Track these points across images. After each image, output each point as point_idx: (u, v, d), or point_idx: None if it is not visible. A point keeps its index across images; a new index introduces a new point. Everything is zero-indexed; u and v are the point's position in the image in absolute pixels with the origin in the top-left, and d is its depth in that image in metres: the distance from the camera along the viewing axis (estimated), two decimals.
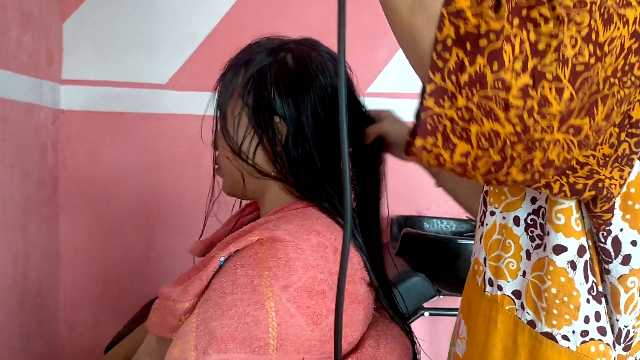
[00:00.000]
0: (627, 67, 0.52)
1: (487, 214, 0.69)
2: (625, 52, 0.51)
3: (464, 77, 0.49)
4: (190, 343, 0.67)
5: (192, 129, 1.95)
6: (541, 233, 0.63)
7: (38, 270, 1.77)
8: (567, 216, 0.60)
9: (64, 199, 1.92)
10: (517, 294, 0.64)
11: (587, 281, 0.60)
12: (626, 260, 0.59)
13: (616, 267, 0.60)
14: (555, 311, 0.61)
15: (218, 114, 0.86)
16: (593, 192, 0.56)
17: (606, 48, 0.50)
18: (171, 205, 1.98)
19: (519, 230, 0.65)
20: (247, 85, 0.82)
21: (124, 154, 1.95)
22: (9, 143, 1.54)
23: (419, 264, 1.48)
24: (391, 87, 1.95)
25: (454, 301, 2.06)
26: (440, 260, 1.48)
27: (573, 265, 0.60)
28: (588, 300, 0.60)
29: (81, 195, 1.94)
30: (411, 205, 1.98)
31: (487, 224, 0.68)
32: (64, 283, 1.94)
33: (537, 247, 0.64)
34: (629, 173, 0.57)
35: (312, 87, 0.80)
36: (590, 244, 0.61)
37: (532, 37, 0.48)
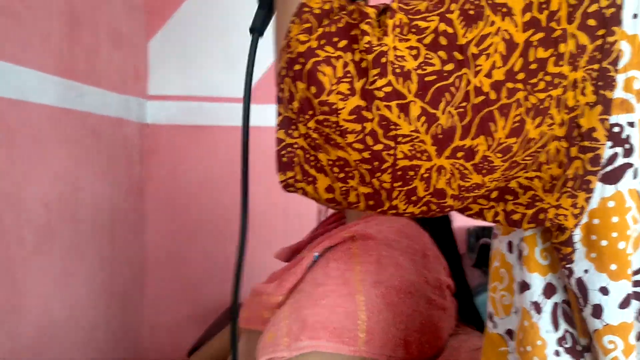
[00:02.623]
0: (533, 66, 0.42)
1: (493, 236, 0.59)
2: (520, 47, 0.41)
3: (295, 104, 0.46)
4: (282, 330, 0.69)
5: (269, 141, 2.01)
6: None
7: (124, 274, 1.87)
8: (531, 247, 0.50)
9: (149, 208, 2.02)
10: (510, 333, 0.53)
11: (556, 329, 0.49)
12: (597, 312, 0.46)
13: (588, 318, 0.47)
14: None
15: None
16: (532, 225, 0.47)
17: (473, 49, 0.41)
18: (250, 215, 2.04)
19: (512, 259, 0.53)
20: None
21: (206, 165, 2.03)
22: (102, 156, 1.64)
23: None
24: None
25: None
26: None
27: (537, 307, 0.49)
28: (557, 353, 0.48)
29: (165, 204, 2.03)
30: None
31: (493, 248, 0.58)
32: (148, 288, 2.04)
33: None
34: (587, 199, 0.45)
35: None
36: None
37: (357, 56, 0.44)
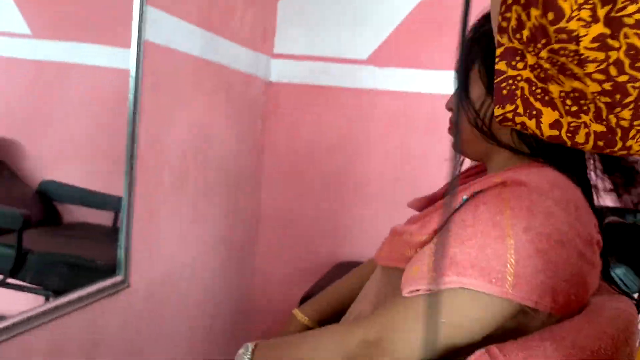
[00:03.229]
0: None
1: None
2: None
3: (526, 33, 0.44)
4: (429, 264, 0.69)
5: (389, 105, 2.02)
6: None
7: (243, 226, 1.96)
8: None
9: (268, 164, 2.09)
10: None
11: None
12: None
13: None
14: None
15: (457, 75, 0.88)
16: None
17: None
18: (362, 176, 2.06)
19: None
20: (490, 48, 0.82)
21: (323, 126, 2.07)
22: (231, 109, 1.72)
23: (623, 256, 1.40)
24: None
25: None
26: None
27: None
28: None
29: (282, 162, 2.09)
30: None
31: None
32: (261, 240, 2.12)
33: None
34: None
35: None
36: None
37: None
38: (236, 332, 1.99)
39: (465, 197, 0.75)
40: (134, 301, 1.30)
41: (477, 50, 0.84)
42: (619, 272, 1.35)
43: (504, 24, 0.46)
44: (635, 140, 0.44)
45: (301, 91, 2.06)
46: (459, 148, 0.91)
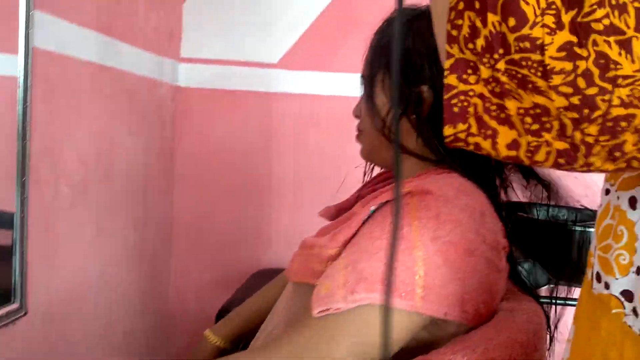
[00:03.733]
0: None
1: (603, 191, 0.55)
2: None
3: (480, 42, 0.40)
4: (338, 281, 0.68)
5: (300, 107, 2.00)
6: None
7: (154, 236, 1.88)
8: None
9: (179, 171, 2.02)
10: (627, 295, 0.50)
11: None
12: None
13: None
14: None
15: (363, 82, 0.87)
16: None
17: None
18: (278, 180, 2.04)
19: (635, 215, 0.49)
20: (392, 55, 0.82)
21: (236, 130, 2.02)
22: (135, 116, 1.64)
23: (530, 251, 1.44)
24: None
25: (566, 291, 1.98)
26: (552, 247, 1.44)
27: None
28: None
29: (194, 168, 2.03)
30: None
31: (601, 204, 0.54)
32: (175, 250, 2.05)
33: None
34: None
35: None
36: None
37: None
38: (155, 349, 1.91)
39: (373, 208, 0.74)
40: (33, 329, 1.21)
41: (380, 56, 0.84)
42: (526, 267, 1.39)
43: (454, 32, 0.42)
44: (598, 155, 0.40)
45: (211, 95, 2.00)
46: (366, 155, 0.90)
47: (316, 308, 0.68)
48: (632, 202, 0.49)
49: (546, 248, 1.47)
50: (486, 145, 0.42)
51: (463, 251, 0.68)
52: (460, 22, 0.41)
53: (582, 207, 1.75)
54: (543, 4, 0.38)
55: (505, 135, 0.41)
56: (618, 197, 0.51)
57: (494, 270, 0.72)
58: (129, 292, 1.71)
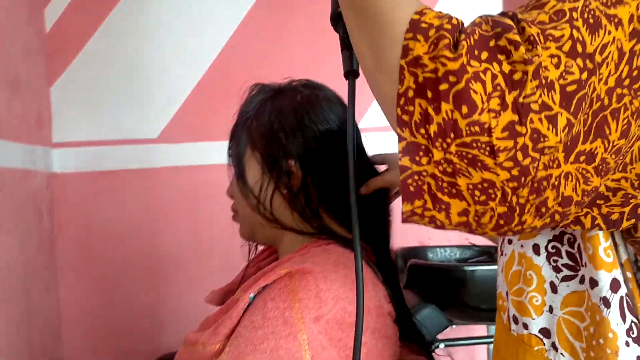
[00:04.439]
0: (635, 73, 0.45)
1: (505, 242, 0.62)
2: (627, 56, 0.45)
3: (433, 128, 0.43)
4: None
5: (186, 180, 1.96)
6: (570, 262, 0.56)
7: (42, 335, 1.74)
8: (595, 246, 0.53)
9: (63, 262, 1.90)
10: (545, 332, 0.56)
11: (624, 321, 0.52)
12: None
13: None
14: (592, 353, 0.53)
15: (232, 162, 0.86)
16: (632, 221, 0.50)
17: (598, 57, 0.44)
18: (171, 259, 1.96)
19: (540, 260, 0.57)
20: (258, 132, 0.82)
21: (120, 212, 1.94)
22: (7, 210, 1.53)
23: (428, 295, 1.47)
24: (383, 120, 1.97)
25: (468, 330, 2.04)
26: (448, 289, 1.47)
27: (606, 302, 0.53)
28: (627, 344, 0.52)
29: (79, 257, 1.91)
30: (413, 236, 1.98)
31: (505, 254, 0.61)
32: (67, 346, 1.90)
33: (566, 278, 0.56)
34: None
35: (322, 127, 0.81)
36: (630, 276, 0.54)
37: (505, 67, 0.42)
38: None
39: (252, 295, 0.73)
40: None
41: (245, 134, 0.84)
42: (424, 313, 1.41)
43: (406, 118, 0.45)
44: (529, 213, 0.45)
45: (90, 178, 1.92)
46: (246, 236, 0.89)
47: None
48: (536, 249, 0.57)
49: (442, 290, 1.50)
50: (440, 216, 0.46)
51: (347, 326, 0.68)
52: (411, 108, 0.44)
53: (471, 245, 1.83)
54: (489, 88, 0.42)
55: (456, 206, 0.45)
56: (522, 246, 0.58)
57: (382, 338, 0.72)
58: None
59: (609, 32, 0.44)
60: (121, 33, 1.93)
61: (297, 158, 0.79)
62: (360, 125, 1.98)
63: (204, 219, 1.97)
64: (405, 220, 0.48)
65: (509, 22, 0.44)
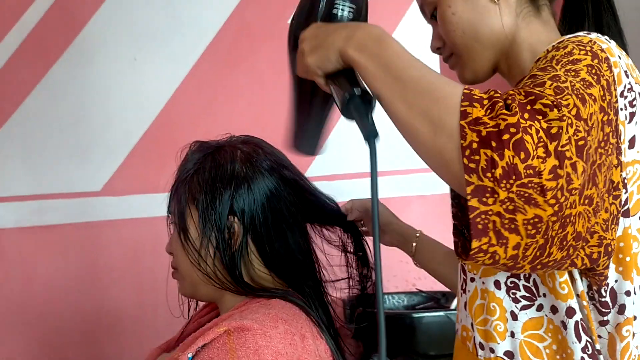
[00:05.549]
0: (605, 137, 0.59)
1: (468, 280, 0.75)
2: (600, 124, 0.58)
3: (498, 171, 0.52)
4: None
5: (129, 233, 1.92)
6: (527, 294, 0.69)
7: None
8: (552, 280, 0.67)
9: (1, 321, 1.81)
10: (509, 354, 0.69)
11: (580, 340, 0.66)
12: (622, 309, 0.66)
13: (614, 316, 0.67)
14: None
15: (172, 220, 0.86)
16: (606, 257, 0.62)
17: (589, 122, 0.56)
18: (115, 315, 1.90)
19: (501, 294, 0.70)
20: (199, 189, 0.82)
21: (62, 268, 1.87)
22: None
23: (377, 344, 1.46)
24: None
25: None
26: (398, 337, 1.47)
27: (564, 325, 0.66)
28: (583, 359, 0.66)
29: (18, 317, 1.83)
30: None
31: (469, 291, 0.74)
32: None
33: (525, 307, 0.69)
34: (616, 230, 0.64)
35: (263, 183, 0.82)
36: (585, 304, 0.67)
37: (543, 124, 0.53)
38: None
39: (190, 355, 0.72)
40: None
41: (187, 191, 0.84)
42: None
43: (472, 165, 0.54)
44: (555, 246, 0.55)
45: (28, 234, 1.85)
46: (187, 293, 0.88)
47: None
48: (497, 284, 0.71)
49: (391, 338, 1.49)
50: (500, 251, 0.54)
51: None
52: (477, 157, 0.54)
53: (418, 291, 1.84)
54: (535, 139, 0.53)
55: (512, 240, 0.54)
56: (483, 282, 0.72)
57: None
58: None
59: (591, 105, 0.58)
60: (63, 85, 1.91)
61: (237, 214, 0.80)
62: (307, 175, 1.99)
63: (145, 273, 1.92)
64: (469, 257, 0.55)
65: (537, 91, 0.56)
